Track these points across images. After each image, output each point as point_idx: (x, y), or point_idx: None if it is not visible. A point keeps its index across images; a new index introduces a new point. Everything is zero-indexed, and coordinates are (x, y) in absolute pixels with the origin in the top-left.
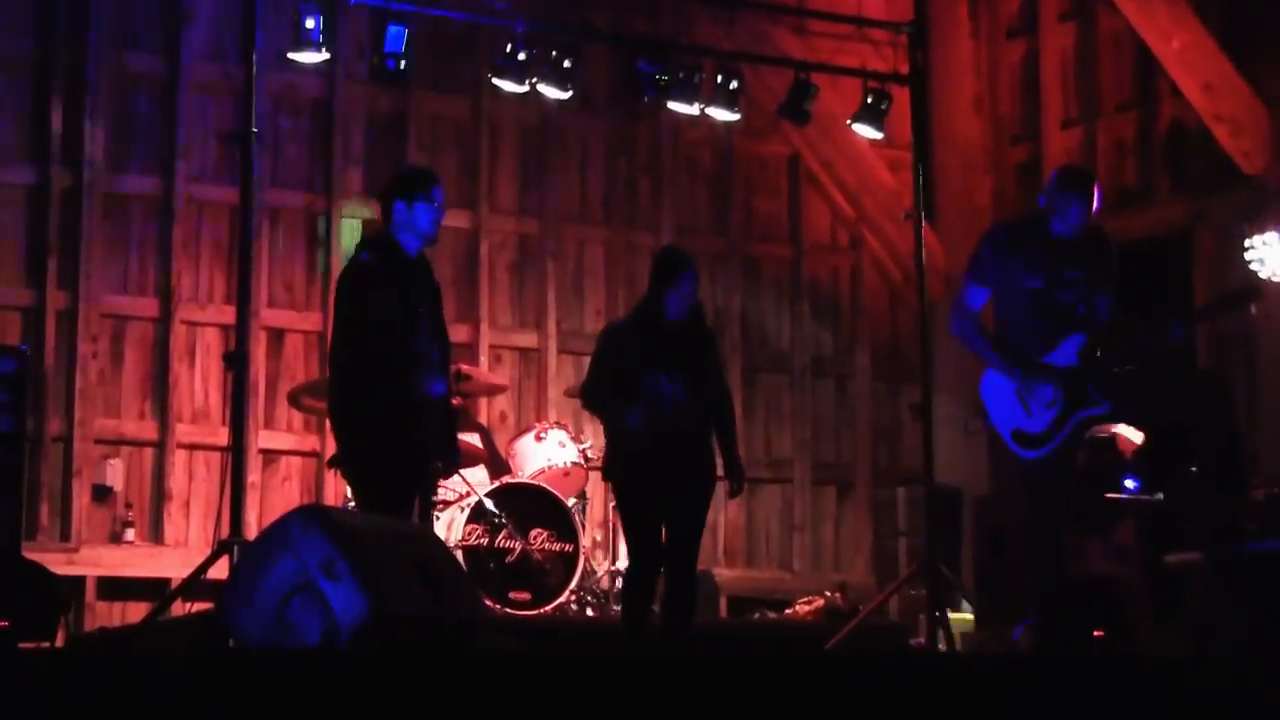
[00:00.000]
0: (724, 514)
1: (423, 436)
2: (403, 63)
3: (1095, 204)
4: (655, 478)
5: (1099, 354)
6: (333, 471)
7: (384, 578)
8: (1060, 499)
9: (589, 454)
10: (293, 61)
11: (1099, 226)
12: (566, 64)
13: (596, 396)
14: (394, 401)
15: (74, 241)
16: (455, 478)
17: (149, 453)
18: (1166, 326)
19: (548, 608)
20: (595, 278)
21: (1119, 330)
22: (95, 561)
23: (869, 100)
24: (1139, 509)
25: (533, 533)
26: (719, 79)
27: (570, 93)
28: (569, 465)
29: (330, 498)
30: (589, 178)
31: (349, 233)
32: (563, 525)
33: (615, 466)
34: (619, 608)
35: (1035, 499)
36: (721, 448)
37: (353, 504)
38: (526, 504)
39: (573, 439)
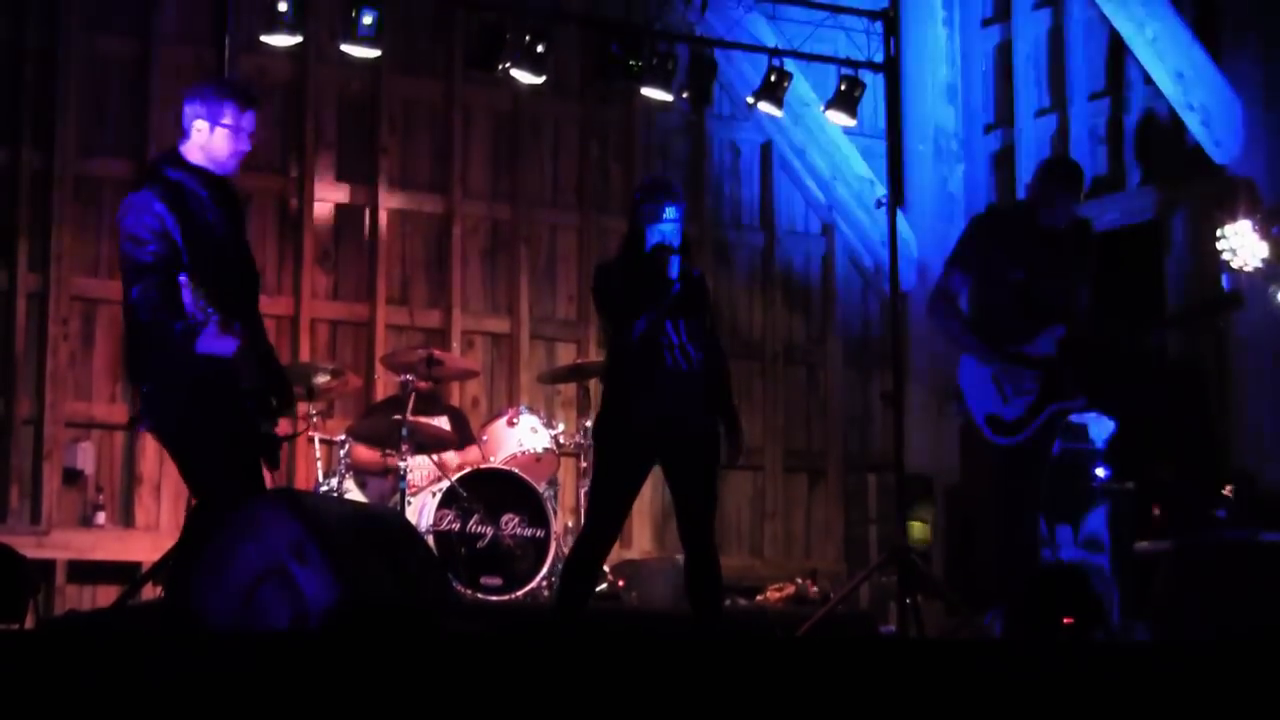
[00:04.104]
0: None
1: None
2: (375, 46)
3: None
4: (654, 433)
5: (1076, 346)
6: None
7: (354, 562)
8: (1032, 486)
9: (560, 439)
10: (264, 44)
11: (1085, 219)
12: (540, 49)
13: (617, 314)
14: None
15: (45, 224)
16: (424, 460)
17: (119, 436)
18: (1147, 333)
19: (519, 593)
20: (568, 263)
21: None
22: (65, 545)
23: (842, 87)
24: (1110, 497)
25: (504, 518)
26: (692, 65)
27: (543, 78)
28: (541, 451)
29: (300, 481)
30: (561, 163)
31: None
32: (534, 511)
33: (610, 414)
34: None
35: (1007, 486)
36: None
37: (323, 488)
38: (498, 489)
39: (545, 424)
